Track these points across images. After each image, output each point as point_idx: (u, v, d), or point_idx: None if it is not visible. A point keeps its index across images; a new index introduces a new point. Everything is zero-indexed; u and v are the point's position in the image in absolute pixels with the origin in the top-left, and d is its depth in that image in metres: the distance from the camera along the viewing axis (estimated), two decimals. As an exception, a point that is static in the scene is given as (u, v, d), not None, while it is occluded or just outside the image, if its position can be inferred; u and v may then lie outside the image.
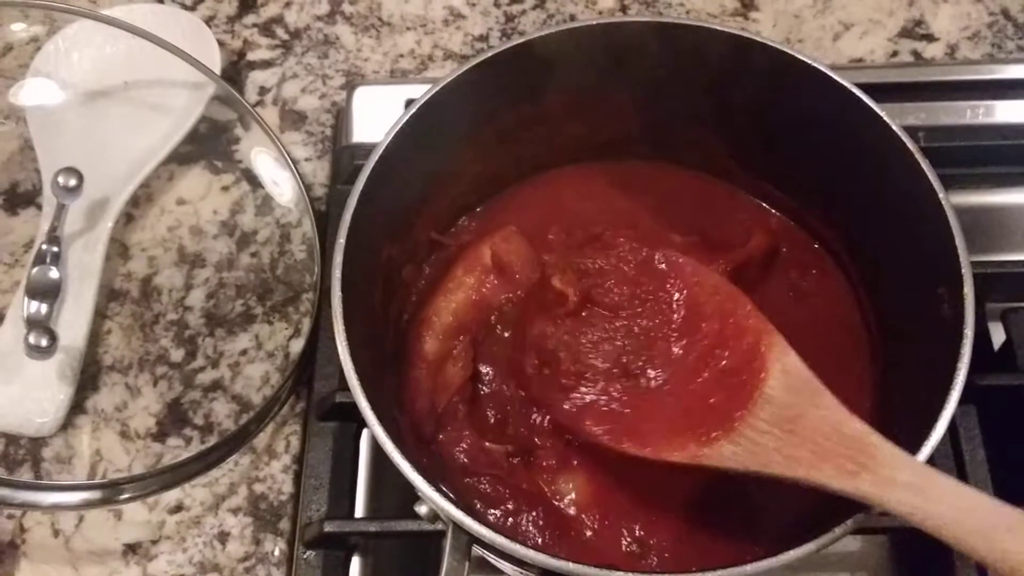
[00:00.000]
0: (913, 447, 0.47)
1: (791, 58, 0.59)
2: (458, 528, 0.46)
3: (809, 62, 0.58)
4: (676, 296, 0.55)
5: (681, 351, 0.53)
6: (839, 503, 0.45)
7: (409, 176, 0.59)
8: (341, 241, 0.52)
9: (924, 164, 0.54)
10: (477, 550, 0.49)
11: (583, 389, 0.54)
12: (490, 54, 0.58)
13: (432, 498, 0.45)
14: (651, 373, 0.54)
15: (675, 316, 0.55)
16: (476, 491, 0.56)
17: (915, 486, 0.42)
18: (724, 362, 0.50)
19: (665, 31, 0.61)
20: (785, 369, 0.48)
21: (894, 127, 0.56)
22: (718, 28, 0.59)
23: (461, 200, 0.66)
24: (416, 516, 0.58)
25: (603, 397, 0.54)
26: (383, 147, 0.56)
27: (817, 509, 0.47)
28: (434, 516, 0.49)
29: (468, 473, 0.57)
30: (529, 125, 0.64)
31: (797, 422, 0.46)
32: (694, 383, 0.51)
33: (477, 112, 0.61)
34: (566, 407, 0.54)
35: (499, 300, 0.62)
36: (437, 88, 0.58)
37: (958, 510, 0.41)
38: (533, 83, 0.62)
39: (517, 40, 0.59)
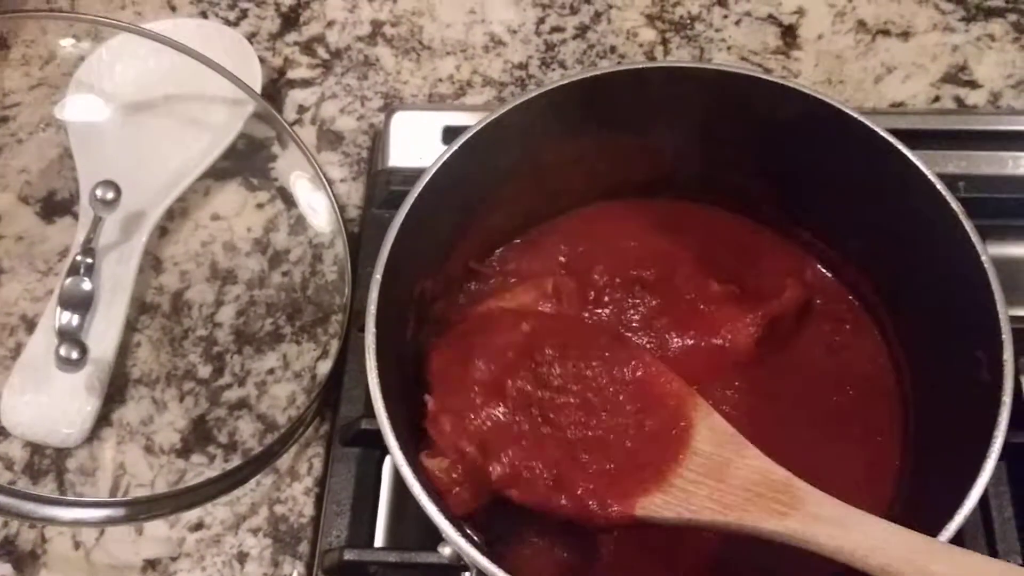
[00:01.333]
0: (944, 514, 0.46)
1: (828, 106, 0.58)
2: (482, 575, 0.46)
3: (846, 111, 0.58)
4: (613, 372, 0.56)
5: (611, 420, 0.54)
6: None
7: (448, 210, 0.59)
8: (377, 277, 0.52)
9: (966, 222, 0.54)
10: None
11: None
12: (535, 93, 0.58)
13: (458, 544, 0.45)
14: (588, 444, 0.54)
15: (608, 390, 0.55)
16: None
17: (836, 520, 0.45)
18: (649, 425, 0.53)
19: (702, 76, 0.60)
20: (710, 426, 0.51)
21: (933, 180, 0.56)
22: (753, 75, 0.58)
23: (498, 233, 0.66)
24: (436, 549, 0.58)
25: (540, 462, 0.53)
26: (423, 183, 0.56)
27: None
28: (457, 558, 0.49)
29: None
30: (571, 162, 0.63)
31: (725, 471, 0.49)
32: (625, 447, 0.53)
33: (519, 148, 0.61)
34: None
35: None
36: (480, 126, 0.58)
37: (875, 539, 0.44)
38: (577, 121, 0.61)
39: (565, 79, 0.59)
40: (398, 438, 0.48)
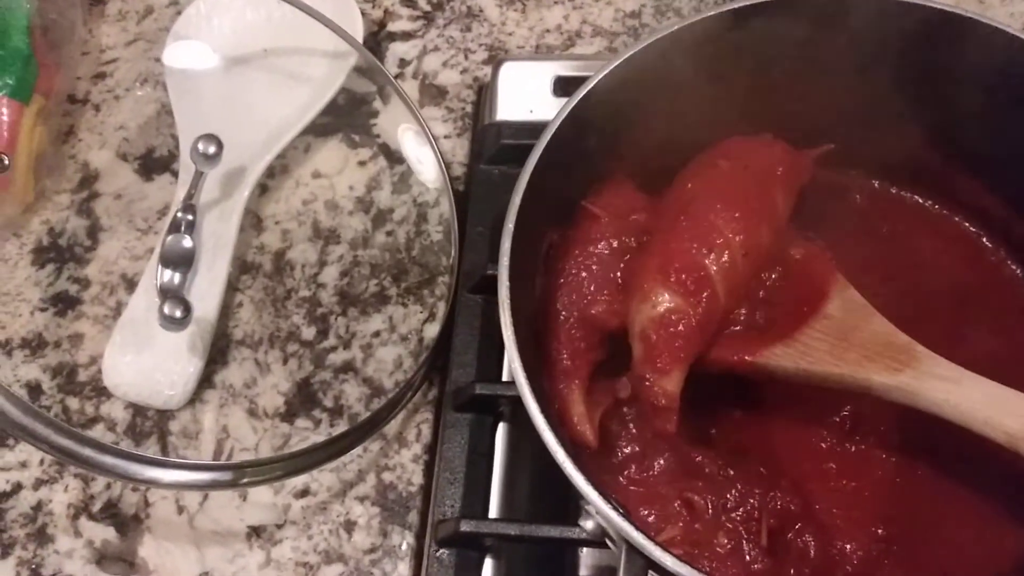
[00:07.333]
0: None
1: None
2: (633, 550, 0.42)
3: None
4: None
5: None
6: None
7: (575, 160, 0.55)
8: (510, 227, 0.48)
9: None
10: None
11: None
12: (676, 27, 0.54)
13: (610, 517, 0.41)
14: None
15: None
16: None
17: (950, 378, 0.47)
18: (793, 293, 0.56)
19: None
20: (845, 297, 0.54)
21: None
22: (960, 12, 0.52)
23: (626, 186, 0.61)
24: (557, 521, 0.54)
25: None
26: (553, 130, 0.52)
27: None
28: (601, 533, 0.45)
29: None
30: (705, 110, 0.58)
31: (851, 333, 0.51)
32: (777, 313, 0.56)
33: (647, 95, 0.57)
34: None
35: None
36: (608, 69, 0.54)
37: (984, 395, 0.46)
38: (712, 66, 0.57)
39: (709, 12, 0.54)
40: (537, 400, 0.44)
